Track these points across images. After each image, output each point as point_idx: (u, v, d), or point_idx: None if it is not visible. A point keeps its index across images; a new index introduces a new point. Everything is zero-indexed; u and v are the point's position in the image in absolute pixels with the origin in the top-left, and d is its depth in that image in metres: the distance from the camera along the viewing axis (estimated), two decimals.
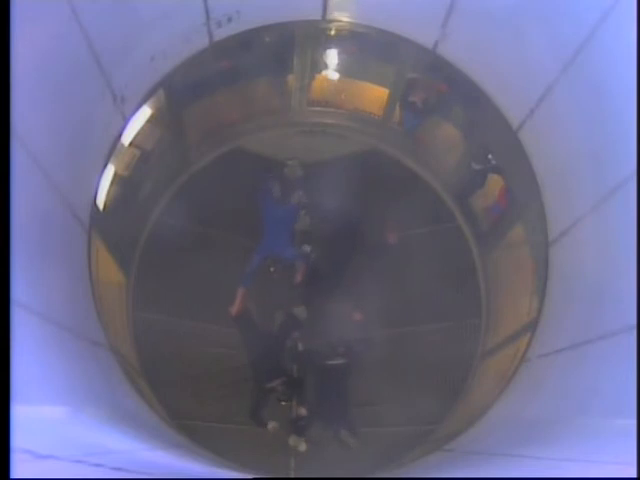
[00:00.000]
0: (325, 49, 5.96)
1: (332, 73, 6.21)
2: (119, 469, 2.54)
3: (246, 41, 5.36)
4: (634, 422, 2.54)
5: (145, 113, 5.20)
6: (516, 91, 4.68)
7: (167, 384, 5.45)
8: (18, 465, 1.82)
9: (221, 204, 6.11)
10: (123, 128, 4.94)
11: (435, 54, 5.08)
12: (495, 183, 5.76)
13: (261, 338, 5.86)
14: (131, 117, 4.98)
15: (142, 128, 5.25)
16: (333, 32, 5.62)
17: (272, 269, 6.23)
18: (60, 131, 3.74)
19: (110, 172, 4.97)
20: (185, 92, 5.60)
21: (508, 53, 4.43)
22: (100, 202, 4.84)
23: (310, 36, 5.68)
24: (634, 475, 2.01)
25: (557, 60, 3.95)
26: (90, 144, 4.47)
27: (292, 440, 5.67)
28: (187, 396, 5.58)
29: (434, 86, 5.85)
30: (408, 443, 5.35)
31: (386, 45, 5.40)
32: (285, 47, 5.80)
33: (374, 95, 6.29)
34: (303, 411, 5.75)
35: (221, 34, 5.00)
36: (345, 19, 5.27)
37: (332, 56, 6.07)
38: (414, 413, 5.48)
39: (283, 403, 5.81)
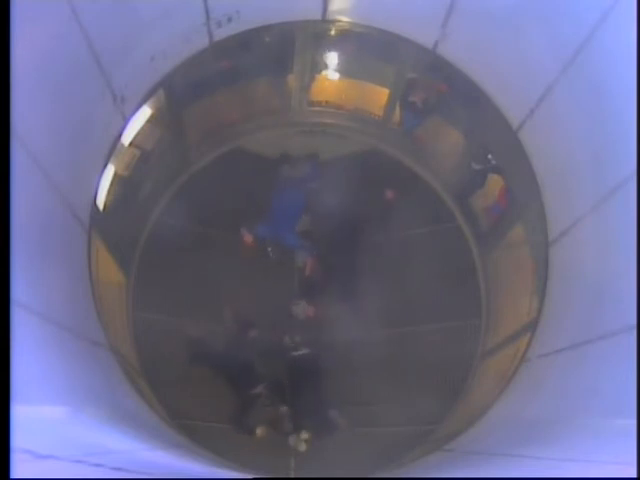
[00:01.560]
0: (325, 49, 5.96)
1: (332, 73, 6.22)
2: (119, 469, 2.54)
3: (246, 41, 5.37)
4: (634, 422, 2.54)
5: (145, 113, 5.20)
6: (516, 91, 4.69)
7: (167, 384, 5.44)
8: (18, 465, 1.82)
9: (221, 204, 6.11)
10: (123, 128, 4.95)
11: (435, 54, 5.09)
12: (495, 183, 5.76)
13: (231, 349, 5.76)
14: (131, 117, 4.98)
15: (142, 128, 5.26)
16: (333, 32, 5.62)
17: (270, 251, 6.23)
18: (60, 131, 3.74)
19: (110, 172, 4.97)
20: (185, 92, 5.60)
21: (508, 53, 4.43)
22: (100, 202, 4.85)
23: (310, 36, 5.68)
24: (634, 475, 2.01)
25: (557, 60, 3.96)
26: (90, 144, 4.47)
27: (292, 440, 5.67)
28: (187, 396, 5.57)
29: (434, 86, 5.85)
30: (408, 443, 5.34)
31: (386, 45, 5.40)
32: (285, 47, 5.80)
33: (374, 95, 6.29)
34: (285, 409, 5.74)
35: (221, 34, 5.00)
36: (345, 19, 5.28)
37: (332, 56, 6.08)
38: (414, 413, 5.48)
39: (269, 408, 5.77)
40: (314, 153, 6.44)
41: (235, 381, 5.68)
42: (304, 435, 5.67)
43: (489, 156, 5.74)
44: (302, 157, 6.40)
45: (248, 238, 6.14)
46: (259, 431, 5.58)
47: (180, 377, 5.60)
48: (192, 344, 5.72)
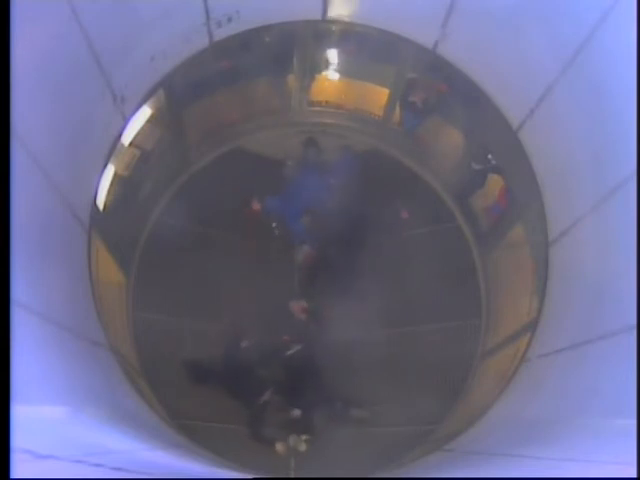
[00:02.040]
0: (325, 49, 5.97)
1: (332, 73, 6.22)
2: (119, 469, 2.54)
3: (246, 41, 5.37)
4: (634, 422, 2.54)
5: (145, 113, 5.20)
6: (516, 91, 4.69)
7: (167, 384, 5.44)
8: (18, 465, 1.82)
9: (221, 204, 6.11)
10: (123, 128, 4.95)
11: (435, 54, 5.09)
12: (495, 183, 5.76)
13: (230, 364, 5.75)
14: (131, 117, 4.98)
15: (142, 128, 5.26)
16: (333, 32, 5.62)
17: (275, 228, 6.28)
18: (60, 131, 3.74)
19: (110, 172, 4.97)
20: (185, 92, 5.60)
21: (508, 53, 4.43)
22: (100, 202, 4.85)
23: (310, 36, 5.69)
24: (634, 475, 2.01)
25: (557, 60, 3.96)
26: (90, 144, 4.47)
27: (292, 440, 5.67)
28: (187, 396, 5.57)
29: (434, 86, 5.85)
30: (408, 443, 5.34)
31: (386, 45, 5.40)
32: (285, 47, 5.80)
33: (374, 95, 6.30)
34: (297, 412, 5.74)
35: (221, 34, 5.00)
36: (345, 19, 5.28)
37: (332, 56, 6.08)
38: (414, 413, 5.48)
39: (281, 412, 5.76)
40: (348, 145, 6.43)
41: (242, 394, 5.69)
42: (304, 435, 5.67)
43: (489, 156, 5.74)
44: (335, 147, 6.41)
45: (256, 206, 6.15)
46: (279, 446, 5.59)
47: (180, 377, 5.61)
48: (191, 368, 5.70)
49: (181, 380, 5.62)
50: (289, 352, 5.75)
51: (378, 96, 6.28)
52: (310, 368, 5.68)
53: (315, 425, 5.71)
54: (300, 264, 6.28)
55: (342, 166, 6.31)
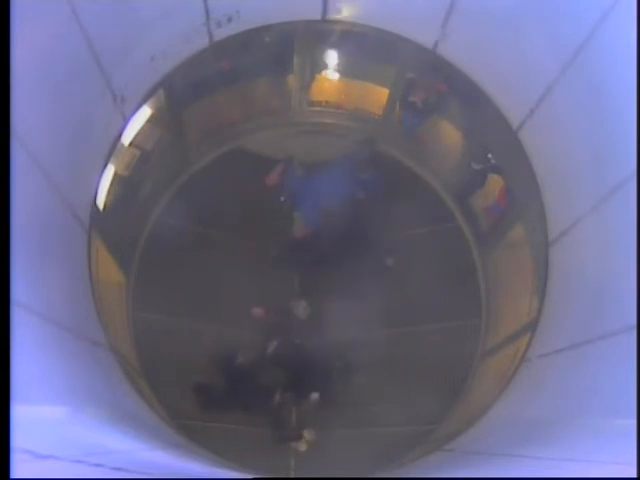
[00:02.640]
0: (325, 49, 5.96)
1: (332, 73, 6.21)
2: (119, 469, 2.54)
3: (246, 41, 5.36)
4: (634, 422, 2.54)
5: (145, 113, 5.20)
6: (516, 91, 4.69)
7: (167, 384, 5.44)
8: (18, 465, 1.82)
9: (221, 204, 6.11)
10: (123, 128, 4.94)
11: (435, 54, 5.09)
12: (495, 183, 5.76)
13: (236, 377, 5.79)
14: (131, 117, 4.98)
15: (142, 128, 5.26)
16: (333, 32, 5.62)
17: (283, 201, 6.28)
18: (60, 131, 3.74)
19: (110, 172, 4.97)
20: (185, 92, 5.60)
21: (508, 53, 4.43)
22: (100, 202, 4.85)
23: (310, 36, 5.68)
24: (634, 475, 2.01)
25: (557, 60, 3.96)
26: (90, 144, 4.47)
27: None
28: (187, 396, 5.58)
29: (434, 86, 5.85)
30: (408, 443, 5.34)
31: (386, 45, 5.40)
32: (285, 47, 5.80)
33: (374, 95, 6.29)
34: (315, 395, 5.74)
35: (221, 34, 5.00)
36: (345, 19, 5.28)
37: (332, 56, 6.08)
38: (414, 413, 5.48)
39: (299, 404, 5.79)
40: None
41: (255, 406, 5.72)
42: (306, 435, 5.67)
43: (489, 156, 5.74)
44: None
45: (276, 175, 6.17)
46: (304, 440, 5.62)
47: (180, 377, 5.61)
48: (198, 397, 5.71)
49: (181, 380, 5.63)
50: (270, 350, 5.77)
51: (378, 96, 6.28)
52: (298, 357, 5.72)
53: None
54: (296, 237, 6.27)
55: (372, 181, 6.27)
